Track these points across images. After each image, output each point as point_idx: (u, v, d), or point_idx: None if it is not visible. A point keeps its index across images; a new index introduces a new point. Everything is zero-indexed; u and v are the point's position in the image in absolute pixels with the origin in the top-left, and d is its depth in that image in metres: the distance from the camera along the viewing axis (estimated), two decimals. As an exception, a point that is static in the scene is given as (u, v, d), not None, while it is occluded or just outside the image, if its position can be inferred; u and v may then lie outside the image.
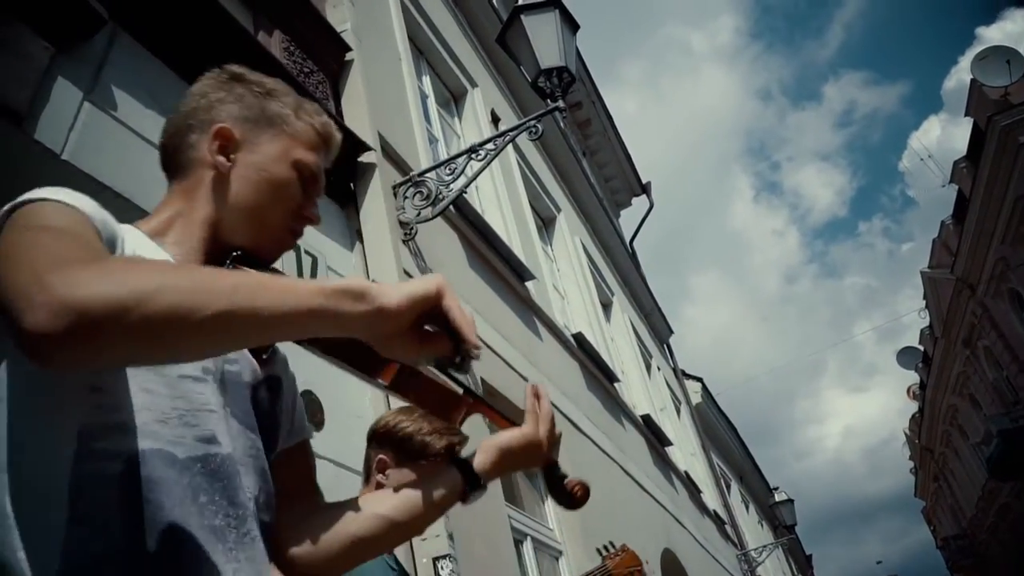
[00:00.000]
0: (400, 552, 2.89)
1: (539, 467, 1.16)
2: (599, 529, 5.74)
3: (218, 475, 0.86)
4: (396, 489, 1.08)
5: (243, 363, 0.99)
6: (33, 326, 0.65)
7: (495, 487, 3.97)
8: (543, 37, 4.17)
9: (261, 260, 1.04)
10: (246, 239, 1.02)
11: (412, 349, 0.87)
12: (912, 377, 29.65)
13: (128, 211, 2.34)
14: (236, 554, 0.85)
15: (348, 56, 4.09)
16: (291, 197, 1.04)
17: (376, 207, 3.75)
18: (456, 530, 3.08)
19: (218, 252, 1.01)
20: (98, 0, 2.39)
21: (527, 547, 4.76)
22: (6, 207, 0.81)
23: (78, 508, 0.77)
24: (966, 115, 18.70)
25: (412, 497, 1.06)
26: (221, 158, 1.02)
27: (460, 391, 1.04)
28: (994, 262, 18.21)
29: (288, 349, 1.00)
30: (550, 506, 5.31)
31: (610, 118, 13.18)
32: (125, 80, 2.52)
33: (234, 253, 1.00)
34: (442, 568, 2.87)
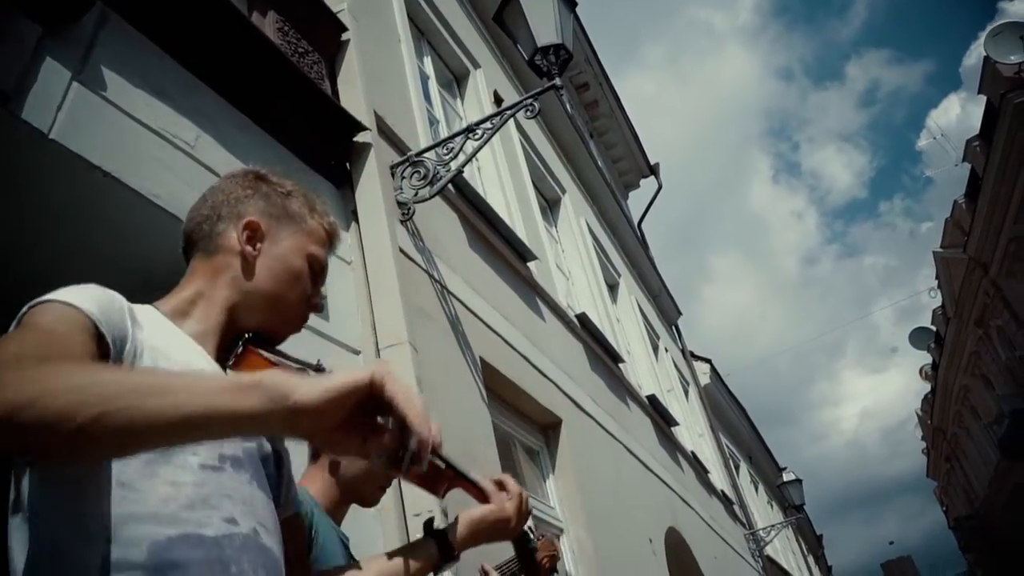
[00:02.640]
0: (393, 527, 2.93)
1: (510, 539, 1.31)
2: (602, 508, 5.78)
3: (245, 552, 0.94)
4: (376, 558, 1.21)
5: (256, 439, 1.08)
6: None
7: (494, 464, 3.99)
8: (540, 14, 4.15)
9: (272, 338, 1.14)
10: (262, 321, 1.13)
11: (354, 446, 0.85)
12: (925, 358, 29.50)
13: (116, 191, 2.37)
14: None
15: (344, 36, 4.08)
16: (304, 286, 1.18)
17: (372, 187, 3.76)
18: (451, 507, 3.11)
19: (233, 333, 1.11)
20: (86, -20, 2.40)
21: (528, 525, 4.80)
22: (27, 305, 0.91)
23: None
24: (979, 92, 18.45)
25: (391, 569, 1.19)
26: (249, 247, 1.14)
27: (442, 465, 1.13)
28: (1007, 241, 18.03)
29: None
30: (552, 484, 5.34)
31: (618, 99, 13.09)
32: (115, 61, 2.52)
33: (246, 335, 1.09)
34: None
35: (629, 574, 5.92)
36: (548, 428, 5.51)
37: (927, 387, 30.30)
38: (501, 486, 1.26)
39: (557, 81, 4.11)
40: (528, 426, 5.33)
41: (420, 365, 3.43)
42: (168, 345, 1.02)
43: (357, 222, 3.68)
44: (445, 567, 1.21)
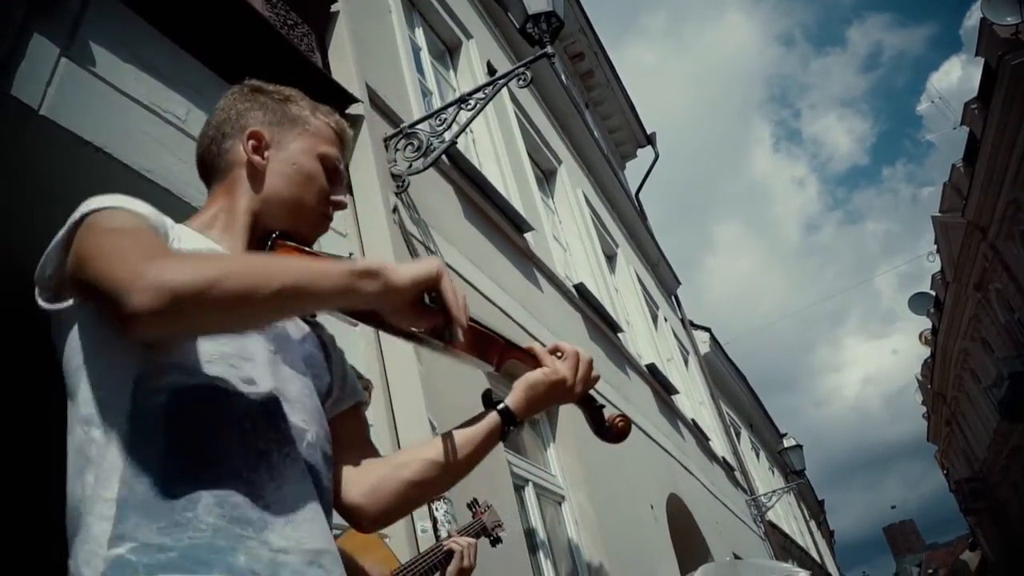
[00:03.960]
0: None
1: (572, 402, 1.26)
2: (603, 475, 5.83)
3: (260, 409, 1.00)
4: (443, 435, 1.21)
5: (287, 322, 1.15)
6: (137, 306, 0.82)
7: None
8: (530, -18, 4.12)
9: (300, 240, 1.17)
10: (286, 224, 1.16)
11: (412, 320, 1.03)
12: (925, 323, 29.58)
13: (108, 165, 2.37)
14: (279, 471, 0.98)
15: (334, 8, 4.06)
16: (320, 185, 1.19)
17: (365, 159, 3.76)
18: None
19: (260, 236, 1.16)
20: (71, -45, 2.39)
21: (529, 492, 4.85)
22: (78, 214, 0.97)
23: (133, 435, 0.93)
24: (976, 55, 18.32)
25: (457, 441, 1.19)
26: (256, 156, 1.17)
27: (497, 337, 1.17)
28: (1005, 204, 18.00)
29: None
30: (553, 452, 5.39)
31: (613, 69, 13.01)
32: (102, 36, 2.51)
33: (274, 234, 1.14)
34: (437, 509, 2.93)
35: (631, 540, 6.00)
36: (547, 397, 5.54)
37: (927, 352, 30.40)
38: (557, 351, 1.24)
39: (549, 49, 4.09)
40: (528, 396, 5.36)
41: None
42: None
43: (352, 195, 3.68)
44: (509, 435, 1.21)
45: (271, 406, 1.02)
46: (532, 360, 1.22)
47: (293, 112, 1.21)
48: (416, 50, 5.84)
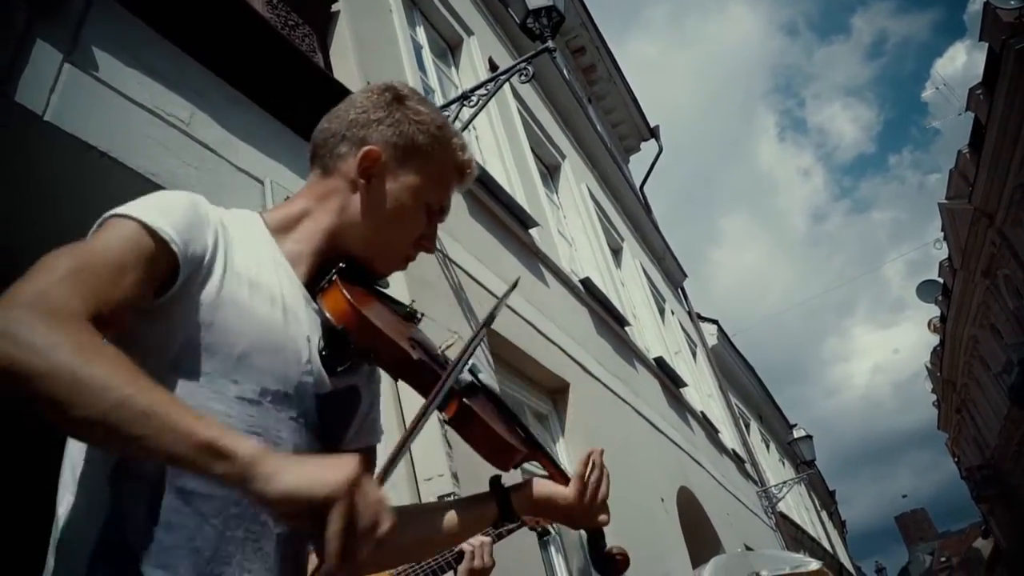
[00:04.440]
0: (405, 491, 2.97)
1: (580, 530, 1.18)
2: (613, 469, 5.81)
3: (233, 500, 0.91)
4: (433, 508, 1.16)
5: (315, 377, 1.03)
6: None
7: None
8: (530, -22, 4.12)
9: (370, 273, 1.10)
10: (361, 256, 1.09)
11: (304, 529, 0.78)
12: (933, 310, 29.47)
13: (113, 169, 2.38)
14: (250, 563, 0.92)
15: (335, 8, 4.07)
16: (415, 228, 1.12)
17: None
18: (460, 470, 3.15)
19: (332, 257, 1.08)
20: (71, -40, 2.40)
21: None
22: (107, 213, 0.92)
23: (115, 501, 0.88)
24: (980, 39, 18.24)
25: (446, 520, 1.13)
26: (363, 180, 1.09)
27: (516, 443, 1.09)
28: (1012, 189, 17.91)
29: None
30: (562, 447, 5.39)
31: (615, 63, 12.98)
32: (105, 41, 2.52)
33: (340, 265, 1.06)
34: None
35: (642, 533, 6.00)
36: (556, 392, 5.56)
37: (934, 339, 30.31)
38: (590, 463, 1.14)
39: (550, 44, 4.10)
40: (536, 391, 5.37)
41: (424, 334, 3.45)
42: (258, 266, 1.01)
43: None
44: (504, 528, 1.17)
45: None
46: (554, 469, 1.15)
47: (420, 142, 1.11)
48: (417, 48, 5.84)
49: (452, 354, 1.13)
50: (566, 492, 1.12)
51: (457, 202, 4.98)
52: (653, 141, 14.35)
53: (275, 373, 0.97)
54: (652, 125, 14.39)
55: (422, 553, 1.17)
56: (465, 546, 2.20)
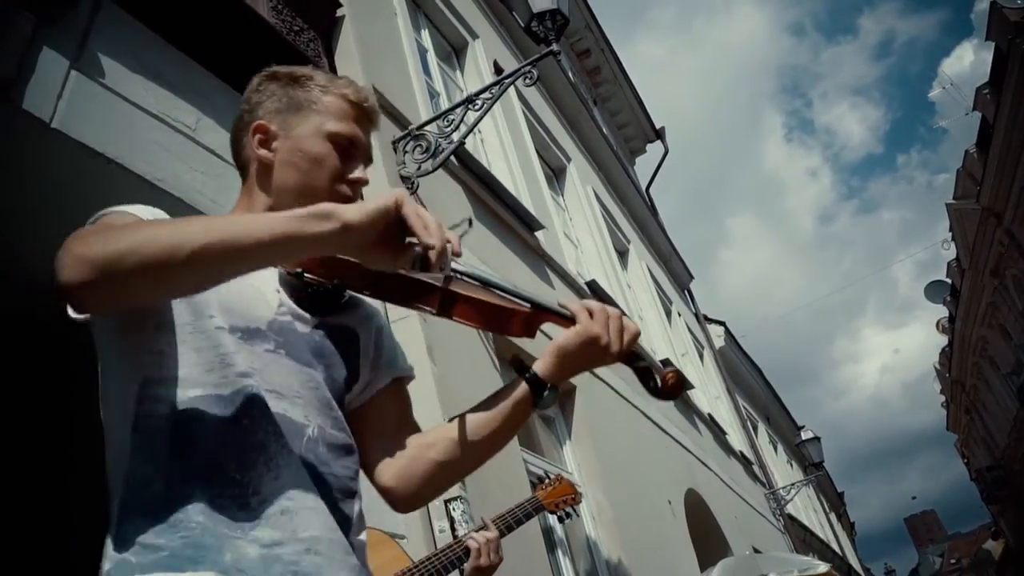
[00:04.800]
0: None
1: (613, 362, 1.13)
2: (620, 471, 5.83)
3: (255, 402, 0.99)
4: (470, 410, 1.15)
5: (292, 315, 1.10)
6: (64, 281, 0.83)
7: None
8: (534, -20, 4.12)
9: None
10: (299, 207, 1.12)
11: (390, 259, 0.96)
12: (942, 311, 29.37)
13: (119, 175, 2.39)
14: (276, 463, 0.98)
15: (339, 12, 4.08)
16: (331, 166, 1.13)
17: (374, 163, 3.76)
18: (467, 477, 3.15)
19: None
20: (77, -32, 2.41)
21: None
22: (95, 216, 1.01)
23: (135, 440, 0.96)
24: (987, 39, 18.18)
25: (486, 416, 1.12)
26: (263, 151, 1.14)
27: (513, 305, 1.08)
28: (1020, 189, 17.84)
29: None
30: (569, 450, 5.39)
31: (620, 64, 12.99)
32: (111, 47, 2.54)
33: None
34: (454, 509, 2.94)
35: (649, 536, 5.99)
36: (562, 395, 5.54)
37: (945, 340, 30.18)
38: (586, 311, 1.11)
39: (555, 47, 4.09)
40: (542, 394, 5.36)
41: (430, 335, 3.46)
42: None
43: (361, 199, 3.70)
44: (543, 402, 1.12)
45: (269, 401, 1.00)
46: (568, 321, 1.11)
47: (299, 95, 1.15)
48: (422, 52, 5.85)
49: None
50: (576, 327, 1.09)
51: (462, 205, 5.00)
52: (659, 142, 14.36)
53: (244, 315, 1.05)
54: (658, 127, 14.39)
55: (494, 445, 1.14)
56: (471, 543, 2.19)
